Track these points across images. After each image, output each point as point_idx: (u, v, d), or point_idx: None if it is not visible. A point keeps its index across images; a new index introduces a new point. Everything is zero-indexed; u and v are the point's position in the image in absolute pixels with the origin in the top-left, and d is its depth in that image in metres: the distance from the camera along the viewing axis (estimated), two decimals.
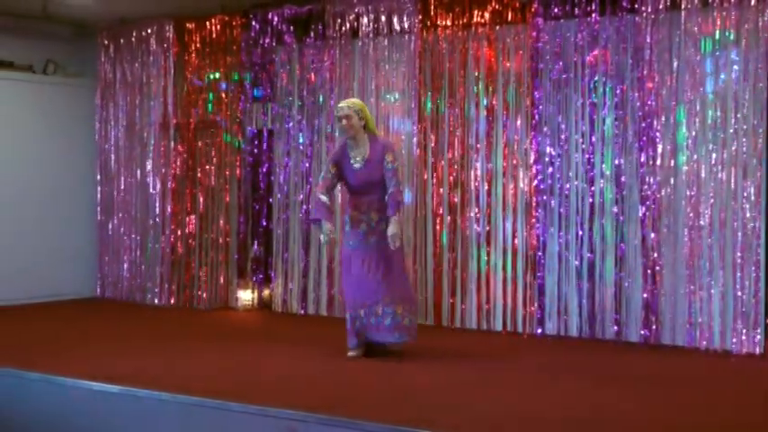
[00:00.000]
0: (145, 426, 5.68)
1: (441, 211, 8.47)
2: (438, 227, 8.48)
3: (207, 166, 9.77)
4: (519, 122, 8.15)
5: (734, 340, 7.23)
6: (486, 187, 8.28)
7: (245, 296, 9.56)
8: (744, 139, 7.23)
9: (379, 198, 6.97)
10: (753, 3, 7.22)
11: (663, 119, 7.53)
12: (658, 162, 7.53)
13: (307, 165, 9.16)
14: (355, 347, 7.00)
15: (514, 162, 8.17)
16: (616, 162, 7.70)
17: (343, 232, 7.22)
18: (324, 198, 6.98)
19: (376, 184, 6.97)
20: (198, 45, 9.77)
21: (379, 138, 7.16)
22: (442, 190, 8.47)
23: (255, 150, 9.51)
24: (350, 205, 7.12)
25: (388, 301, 6.89)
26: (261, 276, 9.56)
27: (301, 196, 9.19)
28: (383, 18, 8.71)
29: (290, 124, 9.25)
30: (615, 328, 7.68)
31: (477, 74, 8.34)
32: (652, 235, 7.54)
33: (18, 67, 10.09)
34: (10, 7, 9.61)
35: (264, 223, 9.50)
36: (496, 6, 8.20)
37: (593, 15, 7.77)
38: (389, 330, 6.89)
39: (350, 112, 6.96)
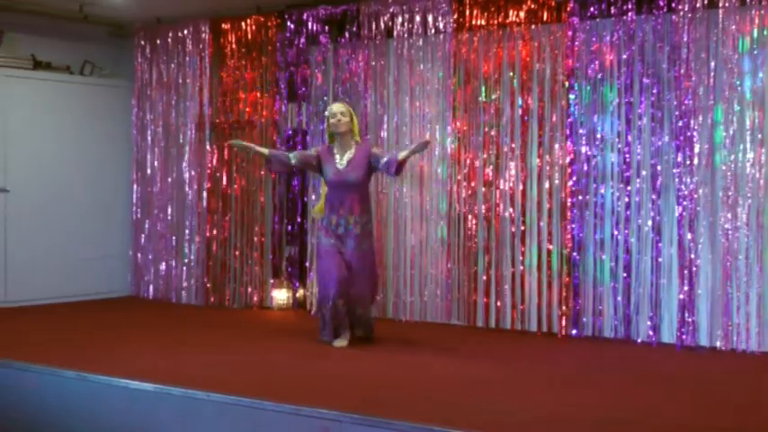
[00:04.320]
0: (179, 424, 5.71)
1: (475, 211, 8.43)
2: (473, 227, 8.45)
3: (242, 166, 9.79)
4: (554, 122, 8.10)
5: None
6: (521, 187, 8.24)
7: (280, 296, 9.57)
8: None
9: (358, 200, 7.31)
10: None
11: (700, 118, 7.46)
12: (695, 162, 7.46)
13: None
14: (333, 337, 7.39)
15: (550, 162, 8.13)
16: (652, 162, 7.64)
17: (321, 231, 7.48)
18: (293, 161, 7.53)
19: (355, 186, 7.31)
20: (233, 45, 9.80)
21: (362, 144, 7.46)
22: (476, 190, 8.44)
23: (291, 150, 9.47)
24: (327, 207, 7.40)
25: (361, 301, 7.40)
26: (296, 276, 9.56)
27: None
28: (418, 18, 8.69)
29: (325, 125, 9.22)
30: (651, 328, 7.62)
31: (512, 74, 8.30)
32: (689, 235, 7.47)
33: (56, 68, 10.16)
34: (47, 8, 9.68)
35: (299, 222, 9.51)
36: (532, 6, 8.15)
37: (630, 14, 7.71)
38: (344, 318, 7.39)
39: (345, 110, 7.36)
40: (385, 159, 7.25)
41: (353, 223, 7.29)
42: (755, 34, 7.27)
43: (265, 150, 7.71)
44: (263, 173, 9.69)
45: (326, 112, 7.54)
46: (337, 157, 7.36)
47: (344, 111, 7.34)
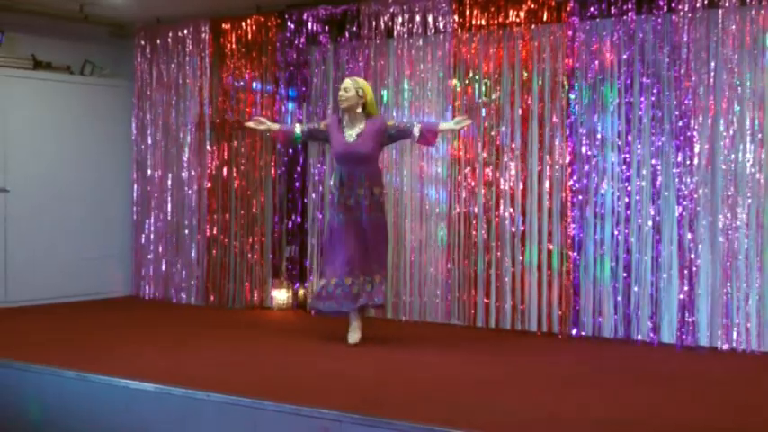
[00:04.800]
0: (179, 425, 5.70)
1: (475, 211, 8.43)
2: (472, 227, 8.44)
3: (242, 166, 9.79)
4: (554, 122, 8.09)
5: None
6: (521, 187, 8.23)
7: (281, 296, 9.56)
8: None
9: (368, 173, 7.30)
10: None
11: (700, 118, 7.45)
12: (695, 162, 7.45)
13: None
14: (334, 310, 7.43)
15: (550, 162, 8.12)
16: (652, 162, 7.63)
17: (331, 205, 7.50)
18: (297, 130, 7.66)
19: (365, 160, 7.30)
20: (233, 45, 9.79)
21: (376, 117, 7.43)
22: (476, 190, 8.43)
23: (291, 150, 9.50)
24: (337, 181, 7.39)
25: (372, 271, 7.38)
26: (296, 276, 9.56)
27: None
28: (418, 18, 8.68)
29: None
30: (651, 328, 7.61)
31: (512, 74, 8.29)
32: (688, 235, 7.46)
33: (56, 68, 10.15)
34: (47, 8, 9.68)
35: (299, 222, 9.50)
36: (532, 6, 8.14)
37: (630, 14, 7.70)
38: (352, 298, 7.31)
39: (349, 86, 7.32)
40: (412, 126, 7.35)
41: (363, 195, 7.29)
42: (755, 34, 7.26)
43: (275, 126, 7.86)
44: (262, 173, 9.67)
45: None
46: (346, 130, 7.36)
47: (349, 86, 7.31)
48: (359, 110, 7.33)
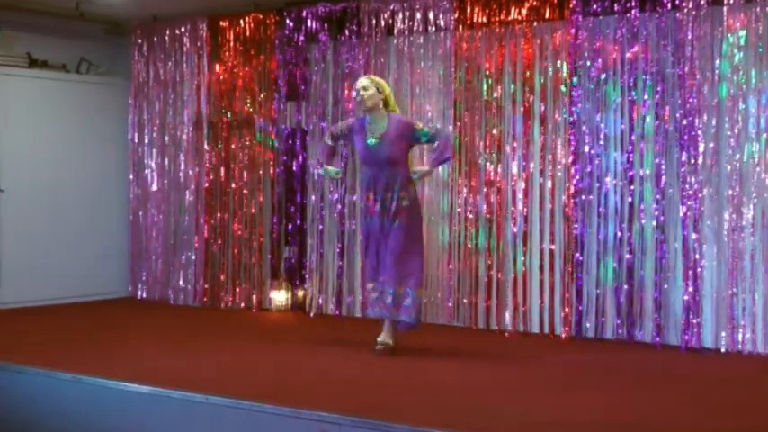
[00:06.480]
0: (177, 428, 5.66)
1: (476, 212, 8.35)
2: (474, 227, 8.36)
3: (240, 166, 9.71)
4: (557, 121, 8.02)
5: None
6: (523, 187, 8.15)
7: (279, 297, 9.48)
8: None
9: (394, 177, 6.96)
10: None
11: (704, 117, 7.37)
12: (700, 161, 7.37)
13: (342, 164, 9.05)
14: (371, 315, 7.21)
15: (552, 161, 8.04)
16: (656, 161, 7.55)
17: (361, 211, 7.32)
18: (329, 142, 7.36)
19: (390, 163, 6.96)
20: (231, 43, 9.71)
21: (399, 115, 7.12)
22: (478, 190, 8.35)
23: (290, 150, 9.42)
24: (363, 184, 7.14)
25: (395, 281, 6.93)
26: (295, 277, 9.47)
27: (336, 196, 9.10)
28: (418, 15, 8.59)
29: (325, 123, 9.17)
30: (655, 330, 7.53)
31: (513, 72, 8.21)
32: (693, 236, 7.39)
33: (52, 66, 10.08)
34: (43, 6, 9.60)
35: (299, 223, 9.42)
36: (534, 3, 8.06)
37: (633, 11, 7.62)
38: (389, 309, 6.97)
39: (368, 84, 6.99)
40: (435, 143, 7.01)
41: (390, 200, 6.95)
42: (760, 31, 7.18)
43: (331, 167, 7.40)
44: (261, 172, 9.59)
45: (354, 87, 7.23)
46: (369, 132, 6.99)
47: (367, 84, 6.97)
48: (381, 107, 7.01)
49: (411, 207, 7.02)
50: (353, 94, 7.18)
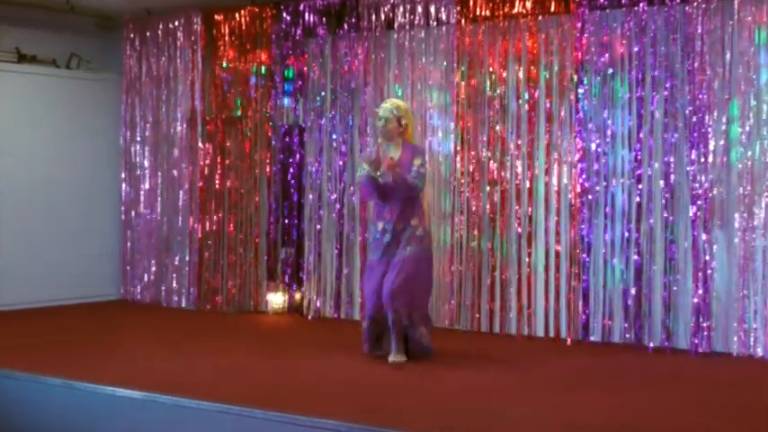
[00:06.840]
0: None
1: (480, 211, 8.21)
2: (477, 227, 8.21)
3: (236, 164, 9.56)
4: (563, 117, 7.89)
5: None
6: (527, 185, 8.03)
7: (276, 299, 9.34)
8: None
9: (404, 205, 6.81)
10: None
11: (715, 113, 7.26)
12: (710, 159, 7.26)
13: (340, 162, 8.89)
14: (371, 350, 7.02)
15: (558, 159, 7.91)
16: (665, 159, 7.43)
17: (369, 243, 7.17)
18: (368, 173, 6.81)
19: None
20: (227, 38, 9.57)
21: (412, 144, 7.00)
22: (481, 189, 8.21)
23: (287, 147, 9.27)
24: (375, 213, 7.02)
25: (402, 308, 6.76)
26: (292, 279, 9.31)
27: (334, 195, 8.97)
28: (420, 9, 8.48)
29: (323, 120, 9.00)
30: (664, 333, 7.40)
31: (518, 67, 8.08)
32: (703, 236, 7.27)
33: (41, 61, 9.96)
34: None
35: (296, 223, 9.26)
36: None
37: (641, 5, 7.51)
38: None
39: (390, 116, 6.85)
40: (410, 176, 6.75)
41: (401, 229, 6.81)
42: None
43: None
44: (257, 170, 9.47)
45: (377, 110, 7.08)
46: (384, 159, 6.82)
47: (389, 116, 6.82)
48: (397, 136, 6.89)
49: (421, 237, 6.86)
50: (377, 119, 6.99)
